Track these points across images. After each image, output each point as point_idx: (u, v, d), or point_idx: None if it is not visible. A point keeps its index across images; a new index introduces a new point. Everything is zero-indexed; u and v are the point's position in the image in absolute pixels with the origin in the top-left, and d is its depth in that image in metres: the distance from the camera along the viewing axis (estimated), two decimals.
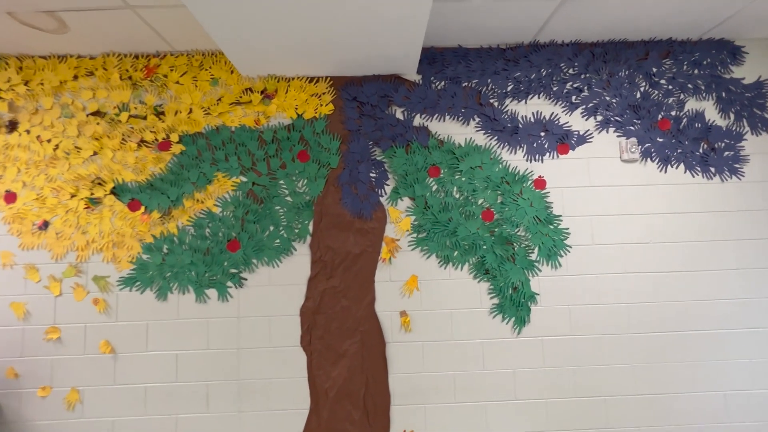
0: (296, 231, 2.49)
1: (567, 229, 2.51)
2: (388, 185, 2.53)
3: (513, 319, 2.46)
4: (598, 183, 2.55)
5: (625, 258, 2.51)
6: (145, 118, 2.51)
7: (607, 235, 2.52)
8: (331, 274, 2.46)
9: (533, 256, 2.49)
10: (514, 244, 2.49)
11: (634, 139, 2.55)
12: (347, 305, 2.44)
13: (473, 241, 2.47)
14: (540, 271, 2.49)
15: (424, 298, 2.47)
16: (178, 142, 2.50)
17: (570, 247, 2.50)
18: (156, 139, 2.50)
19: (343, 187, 2.50)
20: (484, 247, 2.48)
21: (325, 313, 2.43)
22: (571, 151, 2.57)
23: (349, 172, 2.51)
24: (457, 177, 2.53)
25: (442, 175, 2.52)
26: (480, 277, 2.48)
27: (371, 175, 2.52)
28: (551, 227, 2.50)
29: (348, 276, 2.46)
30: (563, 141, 2.57)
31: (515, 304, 2.45)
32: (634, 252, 2.51)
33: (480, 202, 2.51)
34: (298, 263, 2.47)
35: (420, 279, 2.48)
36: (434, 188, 2.52)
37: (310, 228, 2.49)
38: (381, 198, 2.52)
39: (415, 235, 2.50)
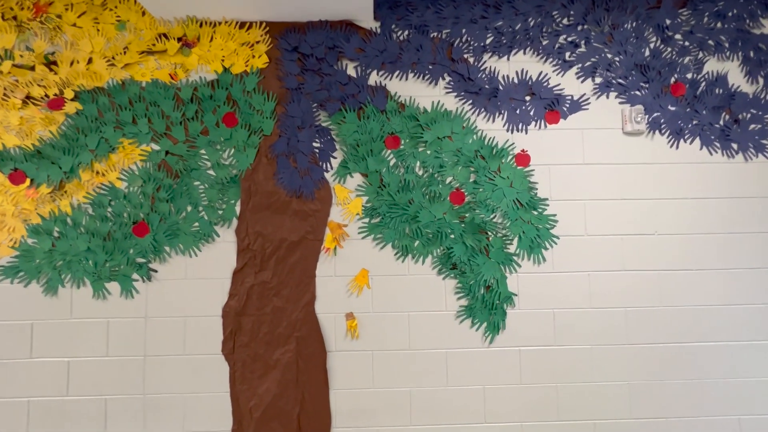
0: (219, 213, 2.01)
1: (554, 216, 2.05)
2: (334, 158, 2.05)
3: (485, 324, 2.01)
4: (595, 160, 2.08)
5: (624, 252, 2.05)
6: (32, 68, 2.01)
7: (603, 224, 2.06)
8: (262, 267, 1.99)
9: (511, 249, 2.03)
10: (489, 234, 2.02)
11: (640, 107, 2.07)
12: (280, 305, 1.98)
13: (438, 229, 2.01)
14: (519, 266, 2.03)
15: (377, 297, 2.01)
16: (73, 100, 2.00)
17: (557, 238, 2.04)
18: (46, 96, 2.00)
19: (278, 159, 2.02)
20: (452, 236, 2.02)
21: (253, 315, 1.98)
22: (562, 120, 2.09)
23: (287, 141, 2.03)
24: (420, 149, 2.05)
25: (402, 147, 2.04)
26: (445, 272, 2.02)
27: (314, 144, 2.04)
28: (535, 213, 2.04)
29: (282, 269, 1.99)
30: (553, 107, 2.09)
31: (488, 307, 2.00)
32: (635, 245, 2.05)
33: (448, 180, 2.04)
34: (221, 252, 2.00)
35: (372, 274, 2.02)
36: (392, 163, 2.04)
37: (237, 209, 2.02)
38: (326, 174, 2.04)
39: (367, 220, 2.03)
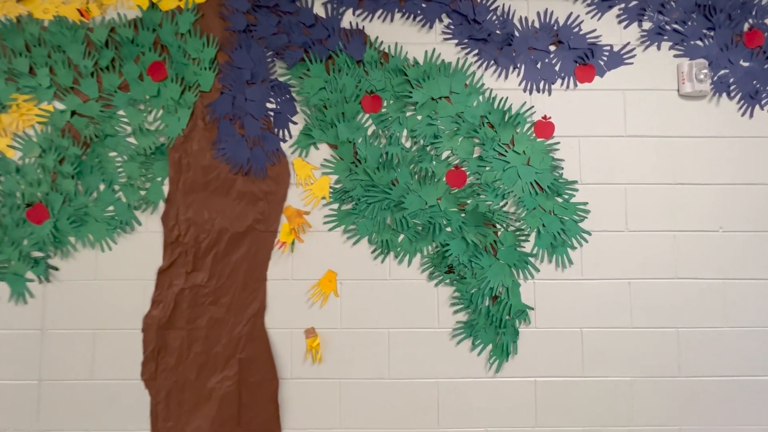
0: (142, 194, 1.53)
1: (585, 204, 1.54)
2: (294, 123, 1.56)
3: (489, 347, 1.52)
4: (640, 131, 1.57)
5: (678, 255, 1.54)
6: None
7: (651, 216, 1.55)
8: (195, 266, 1.51)
9: (527, 247, 1.53)
10: (497, 227, 1.53)
11: (703, 62, 1.55)
12: (219, 317, 1.50)
13: (430, 220, 1.52)
14: (537, 271, 1.53)
15: (347, 309, 1.52)
16: None
17: (588, 234, 1.53)
18: None
19: (219, 123, 1.54)
20: (448, 229, 1.52)
21: (183, 329, 1.50)
22: (597, 78, 1.58)
23: (231, 100, 1.54)
24: (408, 114, 1.55)
25: (384, 110, 1.55)
26: (439, 277, 1.53)
27: (268, 105, 1.55)
28: (559, 201, 1.53)
29: (222, 269, 1.51)
30: (585, 61, 1.58)
31: (494, 324, 1.51)
32: (692, 245, 1.54)
33: (445, 155, 1.54)
34: (143, 246, 1.52)
35: (341, 278, 1.53)
36: (370, 131, 1.55)
37: (165, 189, 1.54)
38: (283, 144, 1.55)
39: (335, 206, 1.54)
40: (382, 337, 1.51)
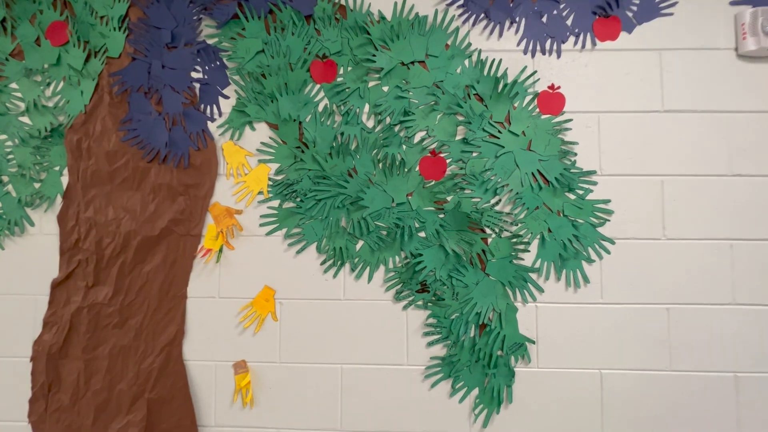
0: (35, 186, 1.22)
1: (606, 202, 1.15)
2: (225, 97, 1.22)
3: (475, 392, 1.14)
4: (683, 104, 1.17)
5: (736, 271, 1.13)
6: None
7: (697, 219, 1.15)
8: (97, 279, 1.19)
9: (527, 259, 1.15)
10: (488, 232, 1.15)
11: None
12: (126, 344, 1.17)
13: (398, 222, 1.15)
14: (541, 291, 1.15)
15: (288, 336, 1.17)
16: None
17: (611, 242, 1.14)
18: None
19: (130, 97, 1.21)
20: (422, 234, 1.16)
21: (80, 359, 1.18)
22: (624, 34, 1.19)
23: (147, 68, 1.22)
24: (372, 84, 1.19)
25: (340, 80, 1.20)
26: (409, 297, 1.16)
27: (193, 75, 1.22)
28: (571, 197, 1.15)
29: (131, 283, 1.18)
30: (608, 12, 1.19)
31: (482, 362, 1.13)
32: (754, 259, 1.13)
33: (418, 138, 1.18)
34: (36, 252, 1.21)
35: (280, 297, 1.18)
36: (322, 106, 1.20)
37: (64, 182, 1.23)
38: (210, 123, 1.22)
39: (276, 203, 1.19)
40: (332, 375, 1.16)
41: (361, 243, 1.16)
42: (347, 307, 1.16)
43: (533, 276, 1.14)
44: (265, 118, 1.19)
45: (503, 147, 1.15)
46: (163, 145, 1.19)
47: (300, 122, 1.19)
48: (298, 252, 1.17)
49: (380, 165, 1.17)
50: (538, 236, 1.14)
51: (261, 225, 1.18)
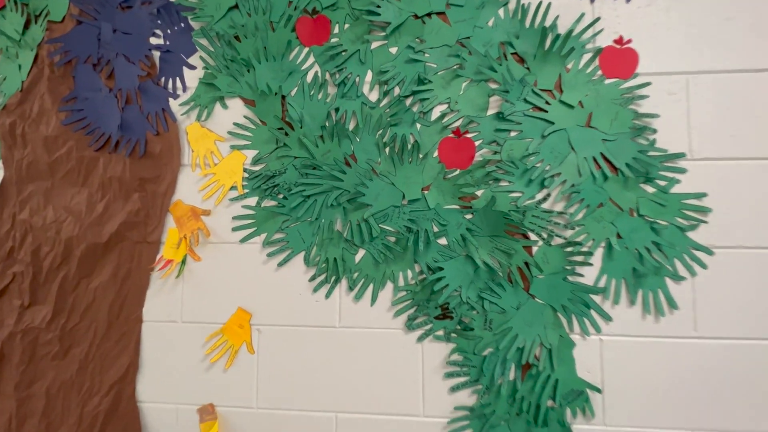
0: None
1: (701, 196, 0.83)
2: (192, 68, 0.97)
3: None
4: None
5: None
6: None
7: None
8: (35, 296, 0.95)
9: (589, 276, 0.84)
10: (532, 238, 0.85)
11: None
12: (67, 379, 0.93)
13: (411, 224, 0.87)
14: (608, 319, 0.83)
15: (268, 375, 0.90)
16: None
17: (708, 252, 0.82)
18: None
19: (76, 70, 0.98)
20: (442, 241, 0.87)
21: (12, 397, 0.94)
22: None
23: (95, 33, 0.98)
24: (376, 46, 0.91)
25: (335, 41, 0.92)
26: (425, 326, 0.87)
27: (152, 41, 0.98)
28: (650, 191, 0.83)
29: (75, 302, 0.94)
30: None
31: (525, 414, 0.83)
32: None
33: (437, 113, 0.89)
34: None
35: (258, 322, 0.91)
36: (311, 76, 0.93)
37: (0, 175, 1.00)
38: (173, 101, 0.97)
39: (253, 201, 0.93)
40: (325, 427, 0.88)
41: (361, 253, 0.89)
42: (344, 338, 0.89)
43: (596, 299, 0.84)
44: (240, 92, 0.93)
45: (552, 123, 0.85)
46: (115, 129, 0.95)
47: (283, 96, 0.92)
48: (281, 264, 0.90)
49: (387, 150, 0.89)
50: (603, 244, 0.83)
51: (234, 229, 0.92)
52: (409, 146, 0.88)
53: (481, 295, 0.84)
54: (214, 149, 0.93)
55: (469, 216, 0.86)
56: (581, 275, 0.83)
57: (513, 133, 0.86)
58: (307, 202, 0.90)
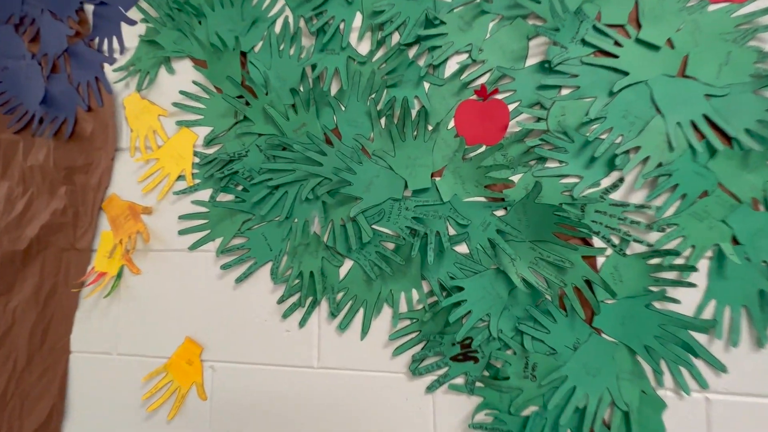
0: None
1: None
2: (131, 23, 0.75)
3: None
4: None
5: None
6: None
7: None
8: None
9: (687, 301, 0.55)
10: (597, 242, 0.58)
11: None
12: None
13: (416, 225, 0.62)
14: (721, 369, 0.54)
15: (222, 428, 0.67)
16: None
17: None
18: None
19: None
20: (462, 249, 0.61)
21: None
22: None
23: None
24: None
25: None
26: (438, 369, 0.61)
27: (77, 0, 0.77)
28: None
29: None
30: None
31: None
32: None
33: (453, 66, 0.63)
34: None
35: (211, 358, 0.68)
36: (280, 23, 0.69)
37: None
38: (108, 66, 0.76)
39: (205, 195, 0.70)
40: None
41: (348, 265, 0.64)
42: (324, 383, 0.64)
43: (701, 337, 0.55)
44: (190, 51, 0.71)
45: (626, 74, 0.57)
46: (32, 105, 0.74)
47: (244, 54, 0.69)
48: (240, 280, 0.67)
49: (382, 121, 0.64)
50: (710, 253, 0.55)
51: (181, 233, 0.70)
52: (414, 115, 0.62)
53: (519, 328, 0.58)
54: (157, 127, 0.71)
55: (500, 212, 0.60)
56: (675, 301, 0.55)
57: (565, 91, 0.59)
58: (275, 195, 0.66)
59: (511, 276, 0.57)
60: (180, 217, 0.69)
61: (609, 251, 0.57)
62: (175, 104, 0.70)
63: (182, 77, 0.71)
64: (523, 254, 0.58)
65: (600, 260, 0.57)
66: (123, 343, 0.70)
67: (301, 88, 0.66)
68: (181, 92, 0.70)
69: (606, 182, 0.57)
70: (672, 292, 0.55)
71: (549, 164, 0.59)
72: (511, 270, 0.58)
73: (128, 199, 0.72)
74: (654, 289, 0.56)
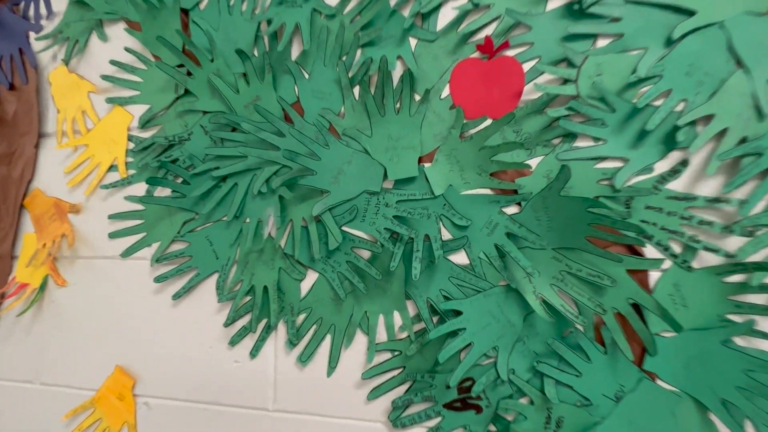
0: None
1: None
2: None
3: None
4: None
5: None
6: None
7: None
8: None
9: None
10: (649, 250, 0.42)
11: None
12: None
13: (397, 226, 0.47)
14: None
15: None
16: None
17: None
18: None
19: None
20: (460, 257, 0.46)
21: None
22: None
23: None
24: None
25: None
26: (427, 419, 0.45)
27: None
28: None
29: None
30: None
31: None
32: None
33: (450, 15, 0.48)
34: None
35: (145, 392, 0.54)
36: None
37: None
38: (33, 34, 0.64)
39: (140, 189, 0.57)
40: None
41: (312, 278, 0.50)
42: (282, 429, 0.50)
43: None
44: (124, 11, 0.58)
45: (692, 13, 0.41)
46: None
47: (185, 11, 0.55)
48: (178, 296, 0.53)
49: (355, 91, 0.49)
50: None
51: (111, 236, 0.57)
52: (396, 81, 0.47)
53: (538, 369, 0.42)
54: (87, 107, 0.58)
55: (512, 209, 0.44)
56: (764, 335, 0.38)
57: (602, 41, 0.43)
58: (222, 188, 0.52)
59: (527, 297, 0.42)
60: (110, 217, 0.56)
61: (667, 264, 0.40)
62: (105, 77, 0.57)
63: (116, 44, 0.58)
64: (544, 267, 0.43)
65: (654, 276, 0.41)
66: (46, 371, 0.58)
67: (255, 53, 0.52)
68: (113, 62, 0.56)
69: (662, 166, 0.41)
70: (763, 323, 0.38)
71: (579, 142, 0.43)
72: (527, 289, 0.42)
73: (54, 195, 0.59)
74: (735, 318, 0.39)
